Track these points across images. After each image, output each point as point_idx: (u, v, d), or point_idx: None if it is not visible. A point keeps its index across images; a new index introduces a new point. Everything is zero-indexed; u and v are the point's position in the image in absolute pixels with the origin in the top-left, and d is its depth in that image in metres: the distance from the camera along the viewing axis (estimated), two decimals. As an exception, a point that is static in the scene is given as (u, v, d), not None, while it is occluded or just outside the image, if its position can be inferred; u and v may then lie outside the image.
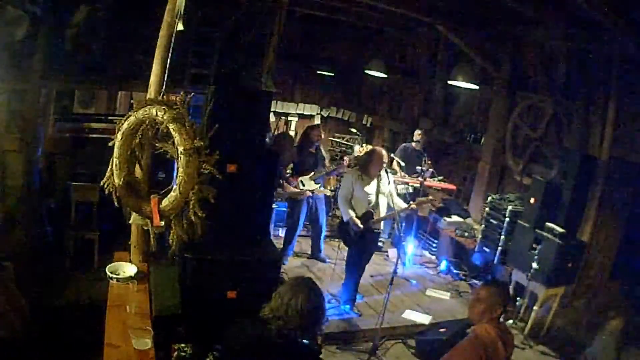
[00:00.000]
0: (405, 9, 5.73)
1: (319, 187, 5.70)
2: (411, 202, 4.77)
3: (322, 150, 6.00)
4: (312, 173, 5.62)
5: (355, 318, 4.73)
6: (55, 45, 4.97)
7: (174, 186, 2.63)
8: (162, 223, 2.70)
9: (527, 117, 5.99)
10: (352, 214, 4.59)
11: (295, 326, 2.16)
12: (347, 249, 4.93)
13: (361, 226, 4.54)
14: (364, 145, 7.61)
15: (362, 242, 4.67)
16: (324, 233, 5.95)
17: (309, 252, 6.01)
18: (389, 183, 4.67)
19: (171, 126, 2.57)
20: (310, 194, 5.59)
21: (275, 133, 6.64)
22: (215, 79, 6.06)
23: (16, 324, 3.46)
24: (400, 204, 4.76)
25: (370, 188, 4.64)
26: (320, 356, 2.41)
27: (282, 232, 6.11)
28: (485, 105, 6.73)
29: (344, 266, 4.96)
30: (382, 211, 4.69)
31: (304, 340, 2.19)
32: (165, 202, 2.68)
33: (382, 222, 4.82)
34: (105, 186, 2.81)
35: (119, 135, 2.71)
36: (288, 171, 5.78)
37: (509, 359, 2.44)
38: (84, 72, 5.54)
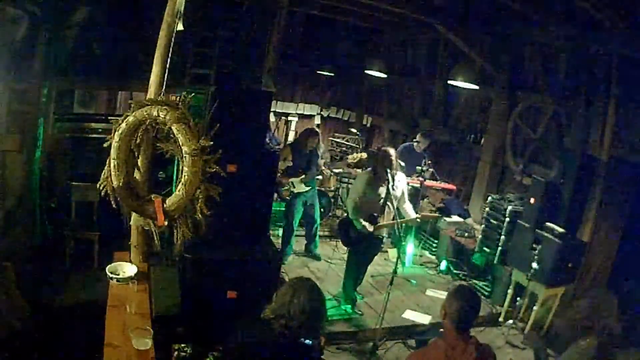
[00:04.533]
0: (405, 9, 5.73)
1: (311, 189, 5.66)
2: (417, 215, 4.71)
3: (319, 152, 5.93)
4: (304, 175, 5.59)
5: (355, 318, 4.73)
6: (55, 45, 4.97)
7: (179, 186, 2.63)
8: (166, 223, 2.70)
9: (527, 117, 5.99)
10: (363, 221, 4.50)
11: (298, 326, 2.16)
12: (344, 248, 4.91)
13: (370, 228, 4.49)
14: (358, 153, 7.59)
15: (361, 244, 4.65)
16: (317, 225, 5.89)
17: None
18: (395, 186, 4.58)
19: (175, 127, 2.57)
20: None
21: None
22: (215, 79, 6.07)
23: (16, 324, 3.47)
24: (409, 212, 4.68)
25: (381, 191, 4.56)
26: (322, 356, 2.41)
27: (281, 232, 6.11)
28: (485, 105, 6.73)
29: (343, 266, 4.95)
30: (388, 217, 4.64)
31: (307, 341, 2.20)
32: (169, 202, 2.68)
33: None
34: (101, 187, 2.81)
35: (117, 136, 2.70)
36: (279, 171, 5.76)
37: None
38: (84, 72, 5.55)
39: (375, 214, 4.54)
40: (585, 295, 3.35)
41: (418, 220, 4.70)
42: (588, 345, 3.14)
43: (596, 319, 3.11)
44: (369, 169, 4.80)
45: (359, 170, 6.55)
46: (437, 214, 5.22)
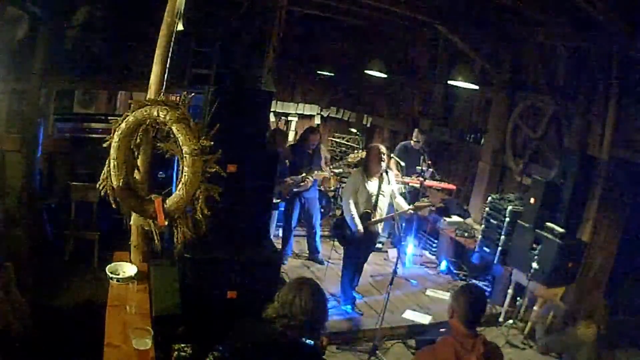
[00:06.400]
0: (405, 9, 5.73)
1: (309, 190, 5.66)
2: (410, 206, 4.74)
3: (322, 152, 5.92)
4: (303, 174, 5.59)
5: (355, 318, 4.73)
6: (55, 45, 4.97)
7: (179, 186, 2.63)
8: (166, 222, 2.70)
9: (527, 117, 5.98)
10: (356, 216, 4.55)
11: (300, 325, 2.15)
12: (342, 248, 4.92)
13: (361, 229, 4.52)
14: (358, 152, 7.58)
15: (357, 242, 4.66)
16: (318, 233, 5.91)
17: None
18: (389, 183, 4.66)
19: (175, 127, 2.56)
20: (310, 181, 5.53)
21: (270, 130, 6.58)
22: (215, 79, 6.07)
23: (16, 324, 3.46)
24: (402, 205, 4.73)
25: (373, 188, 4.61)
26: (324, 357, 2.41)
27: (281, 232, 6.11)
28: (485, 105, 6.72)
29: (341, 265, 4.96)
30: (382, 212, 4.67)
31: (308, 341, 2.19)
32: (169, 201, 2.68)
33: (379, 224, 4.80)
34: (101, 188, 2.81)
35: (116, 137, 2.70)
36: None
37: None
38: (84, 72, 5.55)
39: (369, 210, 4.58)
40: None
41: (411, 211, 4.70)
42: (588, 331, 3.16)
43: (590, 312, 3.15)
44: (361, 166, 4.85)
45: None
46: (430, 203, 5.17)
